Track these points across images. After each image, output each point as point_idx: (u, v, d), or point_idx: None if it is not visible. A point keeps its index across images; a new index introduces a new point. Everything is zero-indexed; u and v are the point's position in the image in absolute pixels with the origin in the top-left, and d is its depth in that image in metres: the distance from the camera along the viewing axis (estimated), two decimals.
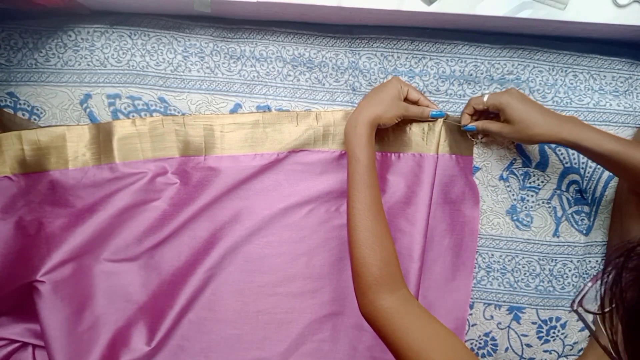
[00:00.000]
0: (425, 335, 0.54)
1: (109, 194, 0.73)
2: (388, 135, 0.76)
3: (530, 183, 0.78)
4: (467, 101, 0.75)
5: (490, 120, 0.72)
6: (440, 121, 0.74)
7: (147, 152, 0.74)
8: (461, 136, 0.76)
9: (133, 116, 0.75)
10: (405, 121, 0.75)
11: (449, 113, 0.76)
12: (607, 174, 0.77)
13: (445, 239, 0.77)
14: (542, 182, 0.78)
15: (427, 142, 0.75)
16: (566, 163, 0.77)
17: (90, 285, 0.73)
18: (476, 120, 0.74)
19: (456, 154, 0.76)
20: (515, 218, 0.78)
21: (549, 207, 0.78)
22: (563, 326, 0.79)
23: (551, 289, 0.78)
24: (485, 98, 0.70)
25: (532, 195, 0.78)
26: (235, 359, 0.74)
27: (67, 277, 0.71)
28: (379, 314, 0.57)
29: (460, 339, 0.56)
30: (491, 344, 0.79)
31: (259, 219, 0.75)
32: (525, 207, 0.78)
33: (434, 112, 0.73)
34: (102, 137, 0.73)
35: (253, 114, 0.75)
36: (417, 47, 0.76)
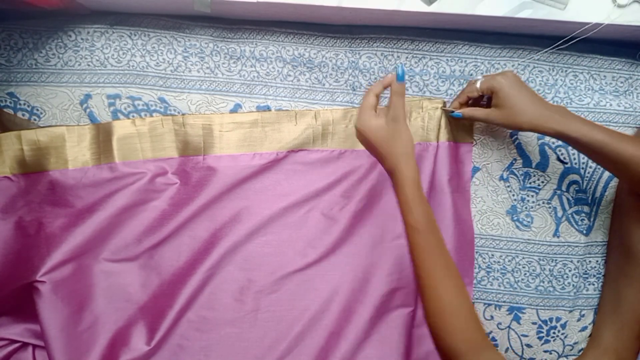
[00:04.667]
0: None
1: (109, 194, 0.73)
2: None
3: (530, 183, 0.78)
4: None
5: (476, 108, 0.71)
6: (439, 109, 0.75)
7: (146, 152, 0.74)
8: (457, 123, 0.76)
9: (133, 116, 0.75)
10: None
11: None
12: (607, 174, 0.77)
13: (442, 230, 0.76)
14: (543, 182, 0.78)
15: (427, 131, 0.76)
16: (566, 163, 0.77)
17: (90, 285, 0.73)
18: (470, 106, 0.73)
19: (452, 141, 0.77)
20: (515, 218, 0.78)
21: (549, 207, 0.78)
22: (563, 326, 0.79)
23: (551, 289, 0.78)
24: (479, 83, 0.69)
25: (532, 196, 0.78)
26: (235, 358, 0.74)
27: (67, 277, 0.71)
28: None
29: None
30: None
31: (258, 218, 0.75)
32: (526, 207, 0.78)
33: (399, 72, 0.61)
34: (102, 137, 0.73)
35: (252, 113, 0.75)
36: (417, 47, 0.76)
